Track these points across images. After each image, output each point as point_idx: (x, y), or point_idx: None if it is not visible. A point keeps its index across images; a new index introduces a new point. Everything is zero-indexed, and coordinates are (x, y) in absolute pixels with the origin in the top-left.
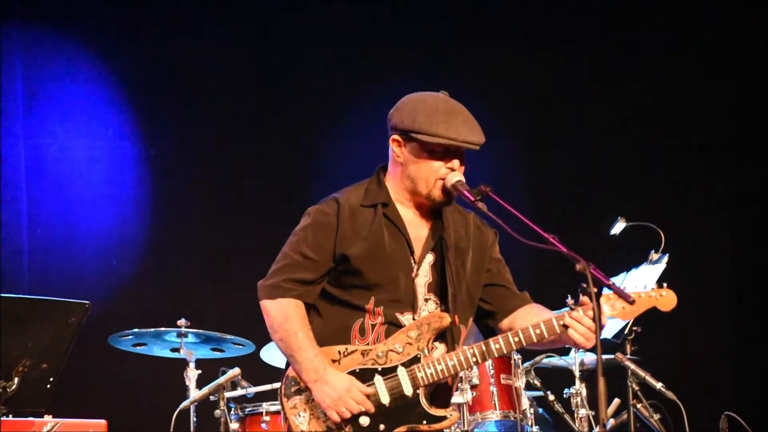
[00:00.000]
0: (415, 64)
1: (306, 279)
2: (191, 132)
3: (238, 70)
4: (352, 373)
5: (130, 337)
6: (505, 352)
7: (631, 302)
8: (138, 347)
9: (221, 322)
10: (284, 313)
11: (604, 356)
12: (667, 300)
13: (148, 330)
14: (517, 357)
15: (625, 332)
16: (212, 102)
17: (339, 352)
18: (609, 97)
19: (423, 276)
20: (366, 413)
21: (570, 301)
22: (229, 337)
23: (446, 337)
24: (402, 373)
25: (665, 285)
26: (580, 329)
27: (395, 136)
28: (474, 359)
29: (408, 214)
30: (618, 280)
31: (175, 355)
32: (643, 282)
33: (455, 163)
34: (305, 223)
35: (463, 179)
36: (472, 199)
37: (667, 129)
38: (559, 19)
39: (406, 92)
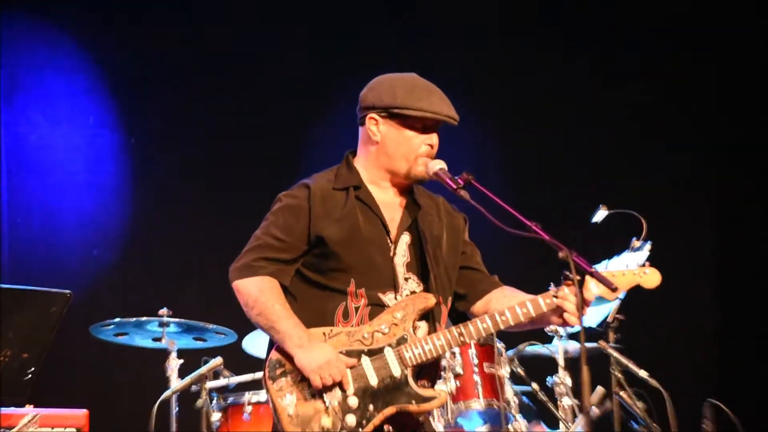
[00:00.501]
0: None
1: (278, 257)
2: (172, 121)
3: (219, 60)
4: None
5: (112, 326)
6: (492, 331)
7: (614, 289)
8: (120, 337)
9: (203, 311)
10: (259, 288)
11: (587, 344)
12: (651, 277)
13: (130, 319)
14: (500, 345)
15: (609, 320)
16: (193, 92)
17: (324, 333)
18: (592, 83)
19: (401, 255)
20: (354, 394)
21: (553, 288)
22: (211, 326)
23: (429, 317)
24: (389, 353)
25: (647, 263)
26: (569, 307)
27: (372, 115)
28: (462, 338)
29: (380, 196)
30: (600, 268)
31: (157, 344)
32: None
33: (434, 137)
34: (275, 207)
35: (445, 166)
36: (454, 186)
37: (651, 120)
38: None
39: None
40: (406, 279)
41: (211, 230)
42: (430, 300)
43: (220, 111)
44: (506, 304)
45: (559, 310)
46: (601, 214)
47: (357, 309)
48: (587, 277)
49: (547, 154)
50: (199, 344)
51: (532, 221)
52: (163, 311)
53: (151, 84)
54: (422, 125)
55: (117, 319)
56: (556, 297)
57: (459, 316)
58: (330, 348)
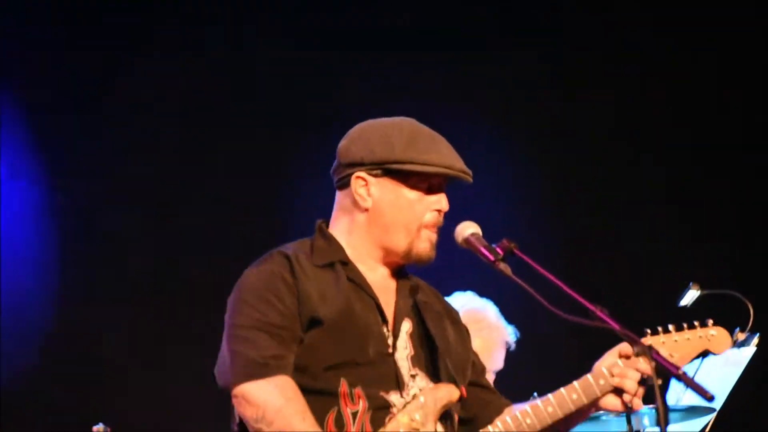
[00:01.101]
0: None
1: (283, 356)
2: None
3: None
4: None
5: None
6: (549, 421)
7: (709, 399)
8: None
9: (153, 426)
10: (283, 395)
11: None
12: (720, 340)
13: None
14: None
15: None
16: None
17: None
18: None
19: (402, 348)
20: None
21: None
22: None
23: (447, 416)
24: None
25: (710, 322)
26: (629, 386)
27: (360, 174)
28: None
29: (370, 276)
30: (691, 369)
31: None
32: (724, 373)
33: (443, 200)
34: (245, 290)
35: (479, 231)
36: (492, 258)
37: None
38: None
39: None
40: (413, 376)
41: (167, 315)
42: (454, 392)
43: (175, 160)
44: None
45: (613, 391)
46: (691, 296)
47: (354, 415)
48: (647, 340)
49: (612, 213)
50: None
51: (597, 305)
52: (98, 428)
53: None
54: (427, 185)
55: None
56: (611, 374)
57: None
58: None
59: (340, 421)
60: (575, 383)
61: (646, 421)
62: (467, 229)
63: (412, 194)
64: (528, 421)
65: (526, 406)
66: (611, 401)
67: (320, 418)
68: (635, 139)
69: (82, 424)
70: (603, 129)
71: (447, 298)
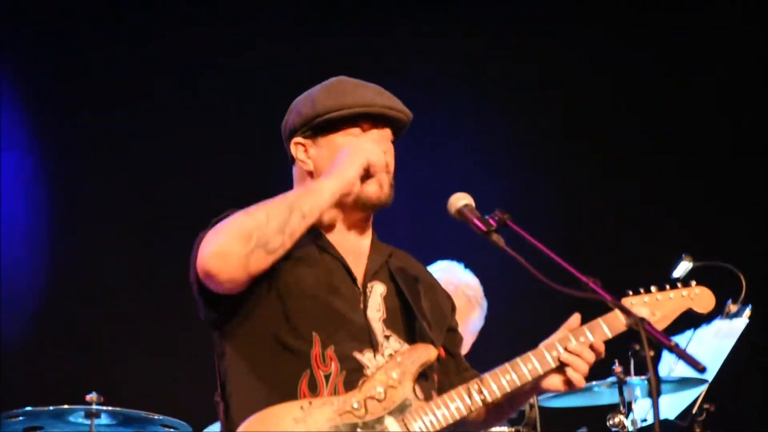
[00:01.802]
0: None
1: None
2: (105, 147)
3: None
4: None
5: (21, 418)
6: (518, 384)
7: (701, 370)
8: None
9: (146, 397)
10: (245, 211)
11: None
12: (703, 298)
13: (45, 408)
14: None
15: (694, 411)
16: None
17: (302, 408)
18: (665, 99)
19: (374, 310)
20: None
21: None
22: (157, 417)
23: (426, 376)
24: (392, 425)
25: (693, 282)
26: (578, 365)
27: (297, 139)
28: (481, 397)
29: (337, 239)
30: (683, 340)
31: None
32: (716, 345)
33: (382, 143)
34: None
35: (472, 202)
36: (485, 229)
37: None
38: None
39: None
40: (387, 337)
41: (157, 290)
42: (432, 352)
43: (173, 134)
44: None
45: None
46: (684, 267)
47: (327, 378)
48: (631, 300)
49: (606, 186)
50: None
51: (590, 276)
52: (92, 397)
53: (78, 97)
54: (359, 132)
55: (28, 408)
56: (567, 348)
57: None
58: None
59: (313, 384)
60: (530, 355)
61: (638, 392)
62: (460, 201)
63: (345, 143)
64: (507, 378)
65: (507, 365)
66: (553, 380)
67: (293, 381)
68: (631, 113)
69: (75, 393)
70: (598, 101)
71: (429, 267)
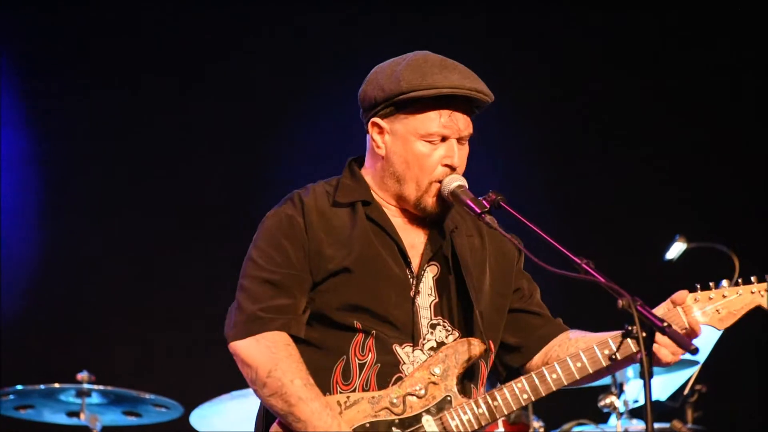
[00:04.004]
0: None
1: (288, 305)
2: (98, 129)
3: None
4: (361, 429)
5: (12, 397)
6: (565, 383)
7: (693, 351)
8: (23, 411)
9: (136, 376)
10: (272, 357)
11: (658, 425)
12: None
13: (37, 387)
14: (538, 424)
15: (685, 392)
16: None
17: (339, 403)
18: (659, 87)
19: (426, 295)
20: None
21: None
22: (147, 396)
23: (472, 371)
24: (429, 423)
25: (767, 277)
26: (663, 341)
27: (375, 120)
28: (525, 395)
29: (396, 217)
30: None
31: (74, 420)
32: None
33: (455, 154)
34: (260, 233)
35: (465, 184)
36: (478, 210)
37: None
38: None
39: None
40: (433, 326)
41: (148, 269)
42: (476, 347)
43: (164, 116)
44: (571, 351)
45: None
46: (677, 249)
47: (362, 366)
48: (689, 300)
49: (602, 171)
50: (132, 420)
51: (583, 258)
52: (83, 376)
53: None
54: (441, 137)
55: (19, 387)
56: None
57: (510, 375)
58: None
59: (347, 371)
60: (580, 351)
61: (630, 373)
62: (453, 182)
63: (423, 147)
64: (554, 375)
65: (555, 363)
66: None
67: (328, 367)
68: (624, 98)
69: (66, 372)
70: (590, 85)
71: None
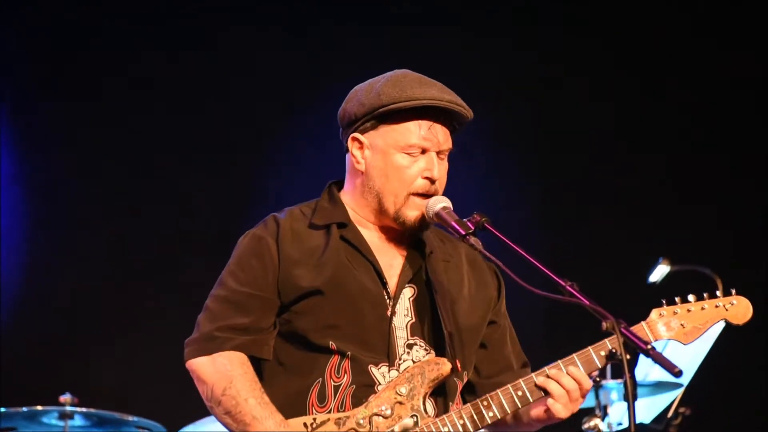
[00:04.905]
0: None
1: (246, 325)
2: (79, 146)
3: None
4: None
5: None
6: (531, 400)
7: (677, 374)
8: None
9: (120, 398)
10: (226, 375)
11: None
12: (740, 309)
13: (19, 410)
14: None
15: (669, 415)
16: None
17: (306, 425)
18: (640, 102)
19: (402, 315)
20: None
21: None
22: (131, 418)
23: (442, 390)
24: None
25: (734, 291)
26: (555, 390)
27: (355, 135)
28: (491, 413)
29: (374, 238)
30: (659, 345)
31: None
32: (693, 349)
33: (434, 167)
34: (233, 255)
35: (450, 205)
36: (462, 232)
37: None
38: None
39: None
40: (410, 346)
41: (132, 288)
42: (444, 366)
43: (145, 127)
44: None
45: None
46: (661, 271)
47: (336, 389)
48: (653, 316)
49: (589, 191)
50: None
51: (567, 280)
52: (65, 398)
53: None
54: (420, 149)
55: (1, 409)
56: (548, 374)
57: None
58: None
59: (323, 394)
60: (533, 375)
61: (614, 395)
62: (438, 204)
63: (403, 159)
64: (519, 393)
65: (521, 381)
66: (537, 410)
67: (303, 390)
68: (611, 114)
69: (48, 394)
70: (578, 100)
71: None
